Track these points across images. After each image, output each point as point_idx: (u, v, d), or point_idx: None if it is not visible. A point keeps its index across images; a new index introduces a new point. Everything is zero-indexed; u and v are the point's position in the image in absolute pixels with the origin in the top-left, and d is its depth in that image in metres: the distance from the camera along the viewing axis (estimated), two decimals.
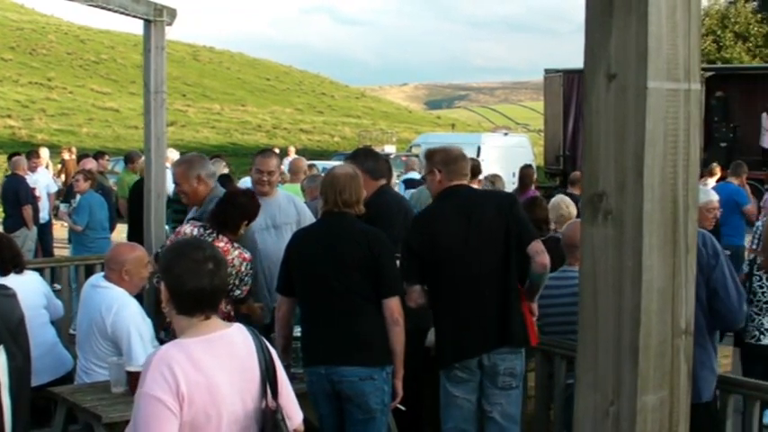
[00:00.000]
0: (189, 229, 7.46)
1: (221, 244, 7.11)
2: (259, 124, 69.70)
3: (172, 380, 3.79)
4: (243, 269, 7.29)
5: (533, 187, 16.01)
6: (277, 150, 14.13)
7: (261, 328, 6.09)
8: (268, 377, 4.13)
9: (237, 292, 7.28)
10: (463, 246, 6.48)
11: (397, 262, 6.48)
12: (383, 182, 7.69)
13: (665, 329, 2.44)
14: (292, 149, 31.79)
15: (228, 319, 7.08)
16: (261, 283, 7.93)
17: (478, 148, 30.03)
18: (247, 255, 7.37)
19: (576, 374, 2.56)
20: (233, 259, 7.18)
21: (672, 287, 2.43)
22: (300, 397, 6.60)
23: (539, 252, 6.52)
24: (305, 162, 14.99)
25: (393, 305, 6.24)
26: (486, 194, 7.92)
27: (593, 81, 2.44)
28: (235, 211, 7.39)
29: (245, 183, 13.68)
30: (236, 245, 7.32)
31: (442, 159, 6.73)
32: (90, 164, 16.33)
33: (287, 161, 20.36)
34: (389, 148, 38.03)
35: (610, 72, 2.40)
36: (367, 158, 7.75)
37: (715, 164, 18.32)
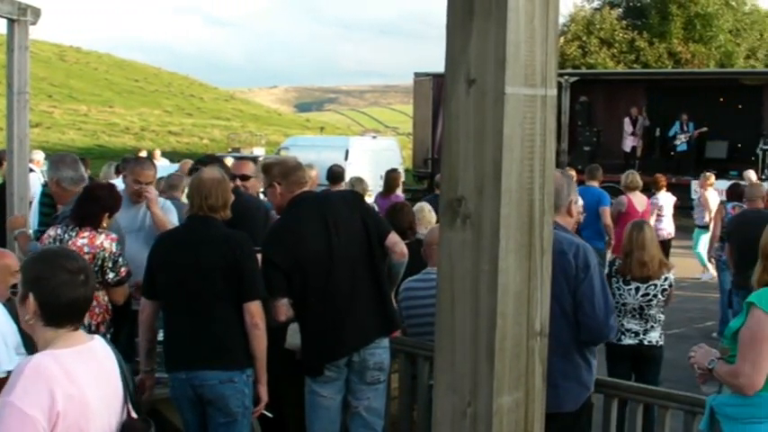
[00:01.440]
0: (52, 231, 7.34)
1: (86, 233, 7.06)
2: (127, 126, 68.67)
3: (48, 398, 3.65)
4: (114, 249, 7.22)
5: (399, 191, 16.09)
6: (144, 153, 13.90)
7: None
8: (127, 389, 4.08)
9: (112, 274, 7.20)
10: (327, 250, 6.51)
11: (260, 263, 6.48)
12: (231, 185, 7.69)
13: (521, 332, 2.47)
14: (158, 152, 31.40)
15: (106, 309, 7.02)
16: None
17: (346, 152, 30.06)
18: (114, 235, 7.30)
19: (434, 376, 2.58)
20: (102, 243, 7.15)
21: (527, 290, 2.47)
22: (165, 402, 6.58)
23: (396, 242, 6.67)
24: (189, 165, 14.82)
25: (253, 309, 6.23)
26: (333, 195, 8.00)
27: (453, 85, 2.46)
28: (95, 205, 7.30)
29: None
30: (100, 230, 7.24)
31: (280, 172, 6.77)
32: None
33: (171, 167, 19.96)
34: (258, 151, 37.77)
35: (469, 77, 2.42)
36: (213, 164, 7.74)
37: (567, 167, 18.81)
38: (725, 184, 19.33)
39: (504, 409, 2.46)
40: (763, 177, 26.71)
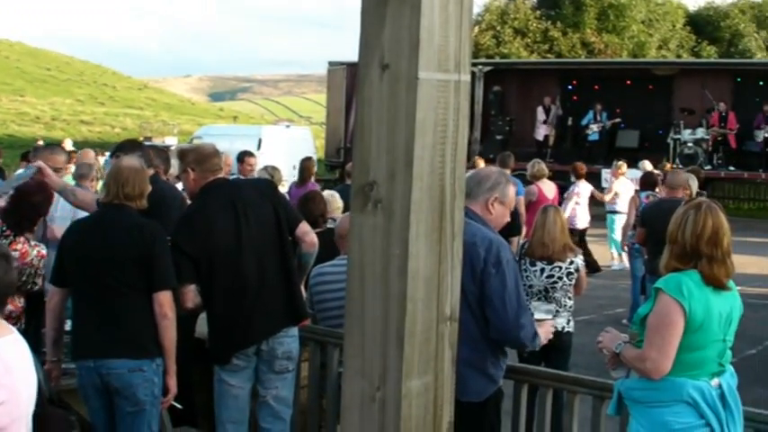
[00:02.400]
0: None
1: (19, 246, 7.07)
2: (37, 115, 67.72)
3: None
4: (40, 265, 7.26)
5: (313, 179, 16.05)
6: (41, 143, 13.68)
7: None
8: (38, 380, 4.06)
9: (36, 287, 7.22)
10: (236, 237, 6.48)
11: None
12: (151, 172, 7.60)
13: (431, 316, 2.48)
14: (68, 142, 30.99)
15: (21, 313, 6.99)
16: None
17: (259, 141, 29.92)
18: (44, 251, 7.33)
19: (343, 361, 2.58)
20: (32, 260, 7.21)
21: (438, 274, 2.47)
22: (72, 392, 6.50)
23: (306, 233, 6.68)
24: (92, 154, 14.67)
25: (163, 299, 6.18)
26: (246, 183, 7.93)
27: (367, 71, 2.45)
28: (30, 211, 7.31)
29: (19, 176, 13.26)
30: (32, 243, 7.26)
31: (194, 158, 6.74)
32: None
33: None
34: (171, 140, 37.41)
35: (383, 62, 2.42)
36: (133, 150, 7.64)
37: (476, 156, 18.94)
38: (636, 173, 19.58)
39: (413, 392, 2.46)
40: (675, 167, 27.10)
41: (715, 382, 4.98)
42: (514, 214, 12.58)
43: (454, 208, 2.49)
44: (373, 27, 2.45)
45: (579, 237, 18.71)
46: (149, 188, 6.54)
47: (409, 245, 2.38)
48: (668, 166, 19.98)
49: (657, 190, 15.54)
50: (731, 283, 5.07)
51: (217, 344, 6.61)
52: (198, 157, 6.73)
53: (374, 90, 2.42)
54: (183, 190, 7.56)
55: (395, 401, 2.45)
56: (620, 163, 20.34)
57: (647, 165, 20.69)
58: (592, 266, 18.91)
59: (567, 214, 18.24)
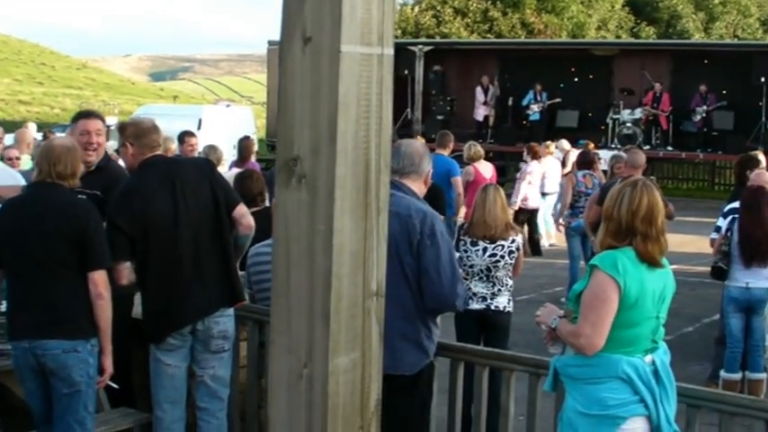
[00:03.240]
0: None
1: None
2: None
3: None
4: None
5: (254, 159, 15.97)
6: None
7: None
8: None
9: None
10: (173, 216, 6.42)
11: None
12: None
13: (357, 292, 2.46)
14: (32, 126, 30.57)
15: None
16: None
17: (199, 121, 29.74)
18: None
19: (270, 338, 2.56)
20: None
21: (363, 250, 2.46)
22: (8, 374, 6.42)
23: (244, 215, 6.64)
24: (31, 132, 14.51)
25: (98, 278, 6.12)
26: (184, 162, 7.85)
27: (289, 44, 2.42)
28: None
29: None
30: None
31: (133, 132, 6.67)
32: None
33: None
34: (111, 120, 37.09)
35: (305, 35, 2.39)
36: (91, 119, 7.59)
37: (418, 136, 18.93)
38: (559, 155, 19.74)
39: (341, 369, 2.45)
40: (612, 146, 27.31)
41: (649, 358, 5.02)
42: (439, 195, 12.58)
43: (379, 183, 2.46)
44: (296, 0, 2.41)
45: (530, 217, 18.81)
46: (82, 168, 6.47)
47: (334, 220, 2.36)
48: (590, 146, 20.04)
49: (595, 169, 15.66)
50: (665, 261, 5.11)
51: (151, 323, 6.56)
52: (137, 132, 6.66)
53: (296, 64, 2.40)
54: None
55: (322, 378, 2.44)
56: (549, 143, 20.42)
57: (566, 144, 20.89)
58: (536, 248, 19.05)
59: (520, 194, 18.38)
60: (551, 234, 19.74)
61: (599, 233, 5.20)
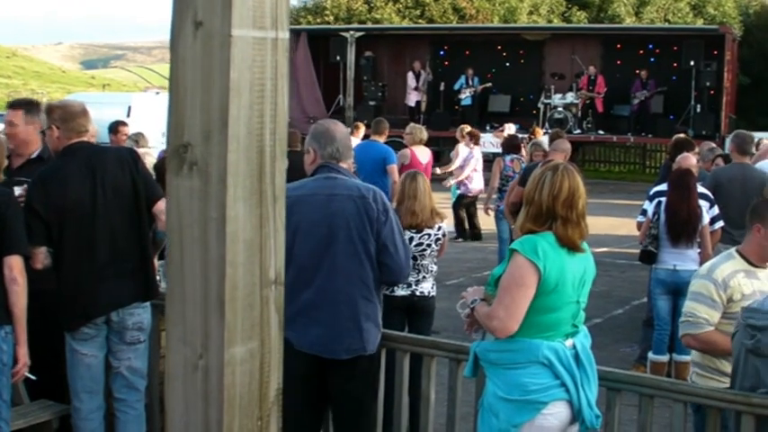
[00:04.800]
0: None
1: None
2: None
3: None
4: None
5: None
6: None
7: None
8: None
9: None
10: (90, 204, 6.35)
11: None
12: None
13: (253, 280, 2.41)
14: None
15: None
16: None
17: (129, 108, 29.51)
18: None
19: (165, 328, 2.51)
20: None
21: (259, 238, 2.41)
22: None
23: (163, 211, 6.55)
24: None
25: (13, 263, 6.04)
26: (108, 150, 7.77)
27: (181, 28, 2.36)
28: None
29: None
30: None
31: (60, 116, 6.58)
32: None
33: None
34: None
35: (196, 19, 2.33)
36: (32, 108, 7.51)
37: (357, 122, 18.81)
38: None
39: (237, 359, 2.40)
40: (545, 131, 27.45)
41: (569, 342, 5.04)
42: None
43: (275, 170, 2.42)
44: None
45: (471, 203, 18.82)
46: (6, 162, 6.42)
47: (227, 208, 2.31)
48: (539, 132, 20.10)
49: (523, 153, 15.71)
50: (585, 245, 5.12)
51: (64, 311, 6.48)
52: (64, 115, 6.57)
53: (188, 48, 2.34)
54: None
55: (218, 369, 2.39)
56: (463, 126, 20.35)
57: (512, 128, 20.94)
58: (476, 233, 19.08)
59: (473, 181, 18.37)
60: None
61: (519, 217, 5.20)
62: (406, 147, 15.65)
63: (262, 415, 2.50)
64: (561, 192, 5.00)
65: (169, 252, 2.44)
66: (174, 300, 2.43)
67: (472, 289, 5.35)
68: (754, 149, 12.44)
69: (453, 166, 18.93)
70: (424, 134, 15.57)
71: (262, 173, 2.38)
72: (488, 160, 20.16)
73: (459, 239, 18.70)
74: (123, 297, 6.44)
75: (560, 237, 4.99)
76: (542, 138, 17.55)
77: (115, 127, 14.27)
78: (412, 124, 16.85)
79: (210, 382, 2.40)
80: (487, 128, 26.73)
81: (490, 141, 25.79)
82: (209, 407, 2.41)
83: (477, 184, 18.55)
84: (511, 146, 15.80)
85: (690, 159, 10.38)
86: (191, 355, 2.41)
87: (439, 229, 8.37)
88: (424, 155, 15.36)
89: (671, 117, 30.04)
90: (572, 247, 5.02)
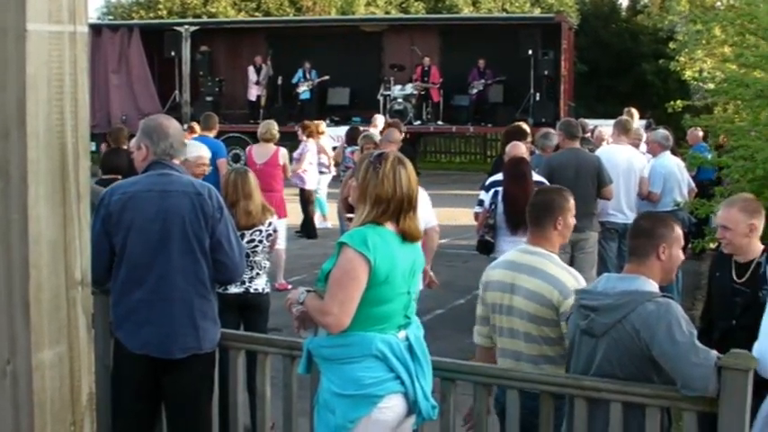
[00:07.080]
0: None
1: None
2: None
3: None
4: None
5: None
6: None
7: None
8: None
9: None
10: None
11: None
12: None
13: (59, 282, 2.35)
14: None
15: None
16: None
17: None
18: None
19: None
20: None
21: (64, 238, 2.35)
22: None
23: None
24: None
25: None
26: None
27: None
28: None
29: None
30: None
31: None
32: None
33: None
34: None
35: None
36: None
37: (193, 123, 18.41)
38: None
39: (46, 364, 2.34)
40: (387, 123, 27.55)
41: (402, 334, 5.02)
42: None
43: (78, 168, 2.36)
44: None
45: (307, 198, 18.61)
46: None
47: (29, 208, 2.25)
48: (400, 125, 20.07)
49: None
50: None
51: None
52: None
53: None
54: None
55: (26, 374, 2.32)
56: (318, 122, 20.16)
57: (380, 120, 20.89)
58: (312, 231, 18.92)
59: (309, 177, 18.22)
60: (320, 215, 19.74)
61: (360, 214, 5.13)
62: (247, 143, 15.35)
63: (75, 420, 2.44)
64: (407, 184, 4.99)
65: None
66: None
67: (295, 290, 5.31)
68: (581, 132, 12.59)
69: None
70: (273, 131, 14.77)
71: (64, 171, 2.32)
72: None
73: (302, 235, 18.52)
74: None
75: (404, 228, 4.98)
76: (373, 130, 17.52)
77: None
78: (267, 121, 16.16)
79: (20, 388, 2.33)
80: (327, 122, 26.54)
81: (331, 136, 25.71)
82: (19, 413, 2.35)
83: (312, 179, 18.35)
84: (352, 137, 15.78)
85: (519, 148, 10.47)
86: None
87: (270, 224, 8.31)
88: (262, 154, 14.55)
89: (510, 106, 30.38)
90: (411, 236, 5.02)
